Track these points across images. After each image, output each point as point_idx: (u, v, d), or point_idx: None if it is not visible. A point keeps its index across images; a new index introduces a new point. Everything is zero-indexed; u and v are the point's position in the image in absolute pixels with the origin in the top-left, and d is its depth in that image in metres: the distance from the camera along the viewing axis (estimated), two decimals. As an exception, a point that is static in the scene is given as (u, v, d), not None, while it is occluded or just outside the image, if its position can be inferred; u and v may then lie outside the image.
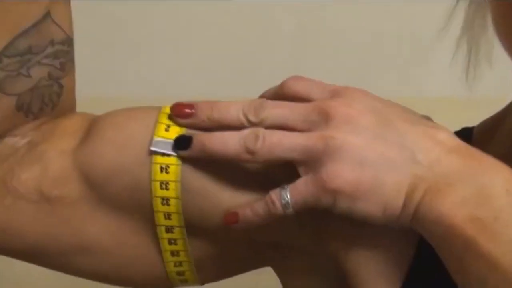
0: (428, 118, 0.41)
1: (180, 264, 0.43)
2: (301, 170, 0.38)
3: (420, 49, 0.95)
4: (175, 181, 0.40)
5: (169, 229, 0.41)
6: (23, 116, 0.42)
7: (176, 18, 0.96)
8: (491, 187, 0.34)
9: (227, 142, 0.39)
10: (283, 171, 0.39)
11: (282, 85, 0.41)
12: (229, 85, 0.91)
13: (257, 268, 0.46)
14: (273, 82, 0.42)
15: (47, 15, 0.40)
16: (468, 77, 0.49)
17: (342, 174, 0.36)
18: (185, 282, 0.45)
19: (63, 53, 0.42)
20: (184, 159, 0.40)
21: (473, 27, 0.46)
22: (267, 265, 0.46)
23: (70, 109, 0.45)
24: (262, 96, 0.43)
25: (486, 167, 0.35)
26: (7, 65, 0.40)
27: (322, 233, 0.41)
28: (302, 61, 0.95)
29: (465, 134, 0.46)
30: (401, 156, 0.36)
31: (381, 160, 0.36)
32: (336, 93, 0.39)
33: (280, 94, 0.41)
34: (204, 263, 0.44)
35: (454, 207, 0.34)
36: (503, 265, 0.32)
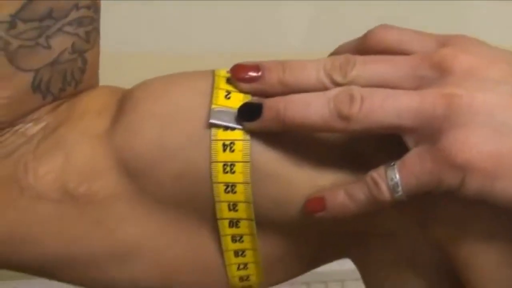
0: None
1: (245, 266, 0.34)
2: (411, 140, 0.29)
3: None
4: (243, 162, 0.31)
5: (234, 223, 0.33)
6: (40, 98, 0.33)
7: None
8: None
9: (310, 106, 0.30)
10: (379, 144, 0.31)
11: (367, 37, 0.33)
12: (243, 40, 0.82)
13: (331, 262, 0.38)
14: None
15: None
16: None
17: (476, 143, 0.27)
18: (247, 288, 0.36)
19: (89, 20, 0.33)
20: (253, 133, 0.31)
21: None
22: (345, 257, 0.37)
23: (93, 86, 0.36)
24: (336, 53, 0.35)
25: None
26: (22, 33, 0.30)
27: (427, 217, 0.32)
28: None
29: None
30: None
31: None
32: (446, 42, 0.31)
33: (364, 49, 0.33)
34: (274, 264, 0.35)
35: None
36: None
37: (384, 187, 0.29)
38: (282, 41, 0.81)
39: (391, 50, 0.32)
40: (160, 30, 0.80)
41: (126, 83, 0.36)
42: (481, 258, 0.31)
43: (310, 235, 0.35)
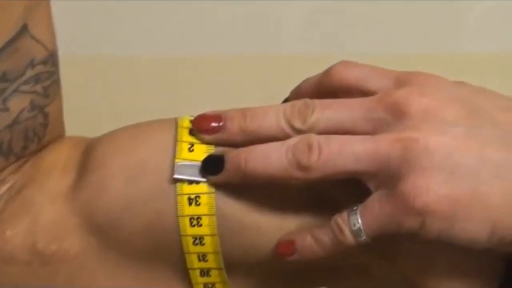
0: None
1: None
2: (372, 184, 0.30)
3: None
4: (209, 215, 0.31)
5: (205, 273, 0.33)
6: (2, 160, 0.33)
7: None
8: None
9: (270, 158, 0.30)
10: (344, 187, 0.31)
11: (328, 74, 0.33)
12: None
13: None
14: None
15: (24, 28, 0.31)
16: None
17: (433, 187, 0.28)
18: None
19: (47, 75, 0.33)
20: (217, 186, 0.31)
21: None
22: None
23: (58, 138, 0.36)
24: (299, 88, 0.35)
25: None
26: None
27: (394, 253, 0.33)
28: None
29: None
30: (507, 156, 0.28)
31: (481, 164, 0.28)
32: (402, 80, 0.31)
33: (325, 85, 0.33)
34: None
35: None
36: None
37: (347, 232, 0.30)
38: (278, 43, 0.80)
39: (350, 88, 0.32)
40: (155, 32, 0.80)
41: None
42: (447, 286, 0.32)
43: (283, 273, 0.35)
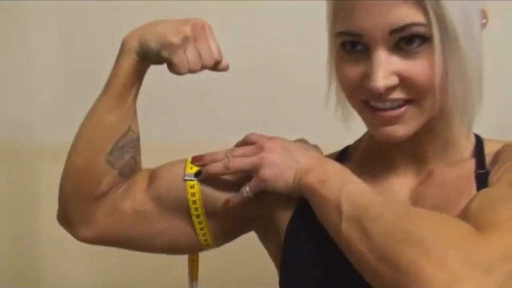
0: (315, 146, 0.86)
1: (205, 234, 0.87)
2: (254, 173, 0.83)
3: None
4: (197, 191, 0.85)
5: (197, 216, 0.86)
6: (121, 178, 0.88)
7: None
8: (328, 169, 0.78)
9: (217, 166, 0.84)
10: (246, 177, 0.85)
11: (245, 138, 0.87)
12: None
13: (247, 232, 0.90)
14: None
15: (129, 128, 0.86)
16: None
17: (268, 172, 0.81)
18: (208, 246, 0.89)
19: (136, 143, 0.89)
20: (200, 181, 0.86)
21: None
22: (251, 230, 0.90)
23: (139, 170, 0.91)
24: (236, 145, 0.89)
25: (327, 163, 0.79)
26: (114, 156, 0.86)
27: (264, 202, 0.85)
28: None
29: (346, 148, 0.90)
30: (291, 161, 0.80)
31: (283, 163, 0.80)
32: (265, 141, 0.85)
33: (243, 143, 0.87)
34: (218, 232, 0.88)
35: (312, 178, 0.77)
36: (328, 196, 0.74)
37: (244, 192, 0.83)
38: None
39: (252, 142, 0.86)
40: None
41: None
42: (275, 211, 0.84)
43: (231, 217, 0.88)
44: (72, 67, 1.55)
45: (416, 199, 0.76)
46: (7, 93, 1.59)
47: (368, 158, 0.84)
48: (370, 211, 0.66)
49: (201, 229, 0.87)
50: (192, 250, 0.91)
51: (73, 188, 0.86)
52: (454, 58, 0.68)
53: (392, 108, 0.71)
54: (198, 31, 0.81)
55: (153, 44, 0.80)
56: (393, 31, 0.67)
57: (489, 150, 0.78)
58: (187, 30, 0.80)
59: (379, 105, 0.72)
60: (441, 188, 0.75)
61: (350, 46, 0.71)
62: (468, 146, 0.79)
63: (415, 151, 0.79)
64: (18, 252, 1.60)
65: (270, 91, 1.47)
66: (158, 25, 0.81)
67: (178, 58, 0.80)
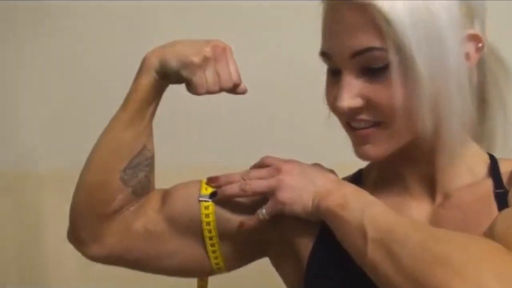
0: (331, 171, 0.85)
1: (216, 257, 0.86)
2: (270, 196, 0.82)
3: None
4: (212, 213, 0.84)
5: (210, 238, 0.85)
6: (134, 197, 0.86)
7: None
8: (347, 192, 0.77)
9: (233, 188, 0.83)
10: (262, 199, 0.84)
11: (261, 161, 0.86)
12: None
13: (260, 257, 0.89)
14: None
15: (144, 147, 0.86)
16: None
17: (285, 195, 0.80)
18: (219, 269, 0.87)
19: (151, 160, 0.88)
20: (215, 202, 0.84)
21: None
22: (265, 256, 0.89)
23: (152, 189, 0.90)
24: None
25: (346, 186, 0.79)
26: (128, 174, 0.85)
27: (281, 227, 0.84)
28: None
29: (359, 172, 0.90)
30: (309, 184, 0.79)
31: (301, 186, 0.80)
32: (281, 163, 0.84)
33: (259, 165, 0.86)
34: (230, 256, 0.86)
35: (331, 201, 0.77)
36: (349, 219, 0.74)
37: (260, 215, 0.82)
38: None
39: (268, 165, 0.85)
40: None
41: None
42: (296, 238, 0.83)
43: (245, 240, 0.86)
44: (75, 95, 1.56)
45: (436, 222, 0.76)
46: (11, 121, 1.58)
47: (382, 181, 0.84)
48: (395, 233, 0.65)
49: (213, 251, 0.86)
50: (202, 273, 0.89)
51: (85, 205, 0.85)
52: (415, 83, 0.69)
53: (362, 128, 0.75)
54: (219, 53, 0.81)
55: (173, 63, 0.80)
56: (355, 54, 0.71)
57: (505, 169, 0.78)
58: (208, 51, 0.80)
59: (354, 124, 0.75)
60: (460, 210, 0.75)
61: (332, 70, 0.76)
62: (482, 166, 0.79)
63: (430, 174, 0.79)
64: (22, 279, 1.57)
65: (281, 114, 1.48)
66: (179, 45, 0.81)
67: (198, 78, 0.80)
